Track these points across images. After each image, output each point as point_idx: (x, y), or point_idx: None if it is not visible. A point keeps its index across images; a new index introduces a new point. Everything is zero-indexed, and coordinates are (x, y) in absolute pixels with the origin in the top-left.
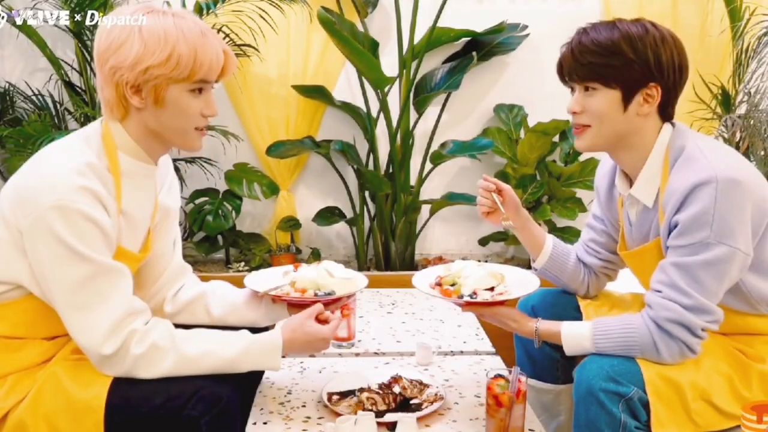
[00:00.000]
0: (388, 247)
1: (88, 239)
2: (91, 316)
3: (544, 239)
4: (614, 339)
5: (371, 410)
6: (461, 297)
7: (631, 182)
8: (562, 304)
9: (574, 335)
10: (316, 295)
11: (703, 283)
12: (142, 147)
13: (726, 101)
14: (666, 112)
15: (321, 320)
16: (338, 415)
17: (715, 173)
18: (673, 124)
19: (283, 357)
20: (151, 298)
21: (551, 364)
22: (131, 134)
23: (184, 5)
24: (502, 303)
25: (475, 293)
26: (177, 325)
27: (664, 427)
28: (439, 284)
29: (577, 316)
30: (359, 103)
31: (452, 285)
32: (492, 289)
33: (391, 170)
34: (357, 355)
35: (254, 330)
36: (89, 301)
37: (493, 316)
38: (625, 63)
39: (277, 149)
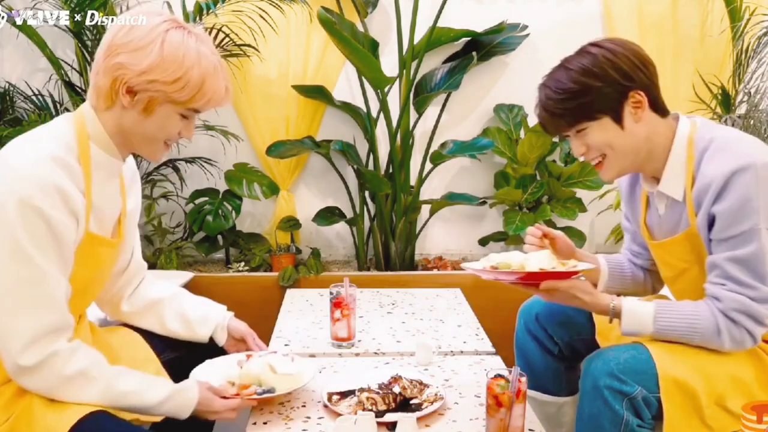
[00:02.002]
0: (388, 247)
1: (39, 239)
2: (15, 321)
3: (598, 263)
4: (678, 319)
5: (371, 410)
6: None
7: (657, 180)
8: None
9: (635, 311)
10: (256, 392)
11: (761, 273)
12: (114, 141)
13: (726, 101)
14: (659, 106)
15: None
16: (338, 415)
17: (753, 159)
18: (690, 119)
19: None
20: (113, 294)
21: (554, 376)
22: (105, 126)
23: (184, 5)
24: (576, 273)
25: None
26: (127, 326)
27: (676, 431)
28: (495, 268)
29: (588, 314)
30: (359, 103)
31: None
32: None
33: (391, 170)
34: (357, 355)
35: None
36: (17, 305)
37: (567, 290)
38: (597, 93)
39: (277, 149)
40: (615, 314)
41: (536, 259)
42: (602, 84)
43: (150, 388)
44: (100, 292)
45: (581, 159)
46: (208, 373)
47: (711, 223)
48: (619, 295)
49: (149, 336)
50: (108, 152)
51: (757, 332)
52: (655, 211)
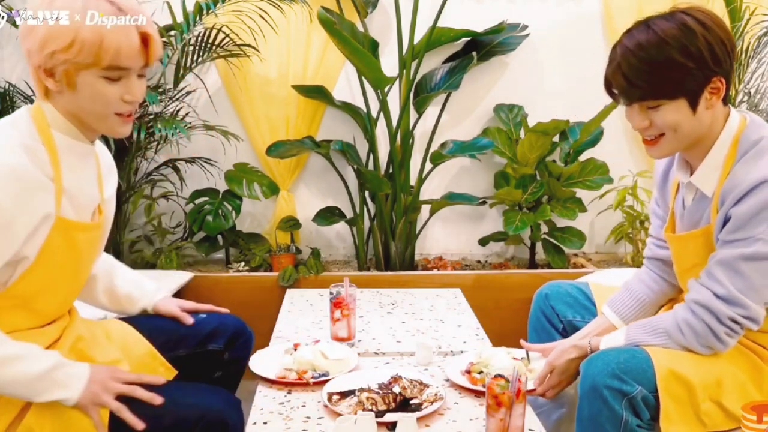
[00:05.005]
0: (388, 247)
1: None
2: None
3: (605, 321)
4: (644, 325)
5: (371, 410)
6: (485, 385)
7: (691, 169)
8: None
9: (610, 336)
10: (313, 377)
11: (744, 277)
12: (73, 125)
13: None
14: (727, 96)
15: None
16: (338, 415)
17: None
18: (741, 114)
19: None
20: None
21: None
22: (61, 113)
23: (184, 5)
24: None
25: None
26: (123, 320)
27: (673, 424)
28: (468, 371)
29: (587, 294)
30: (359, 103)
31: (479, 373)
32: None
33: (391, 170)
34: (357, 355)
35: None
36: None
37: (557, 372)
38: (685, 73)
39: (277, 149)
40: (592, 348)
41: (499, 364)
42: (694, 65)
43: (33, 358)
44: (87, 279)
45: (638, 131)
46: (263, 363)
47: (725, 223)
48: None
49: (156, 333)
50: (72, 136)
51: (721, 331)
52: (681, 201)
